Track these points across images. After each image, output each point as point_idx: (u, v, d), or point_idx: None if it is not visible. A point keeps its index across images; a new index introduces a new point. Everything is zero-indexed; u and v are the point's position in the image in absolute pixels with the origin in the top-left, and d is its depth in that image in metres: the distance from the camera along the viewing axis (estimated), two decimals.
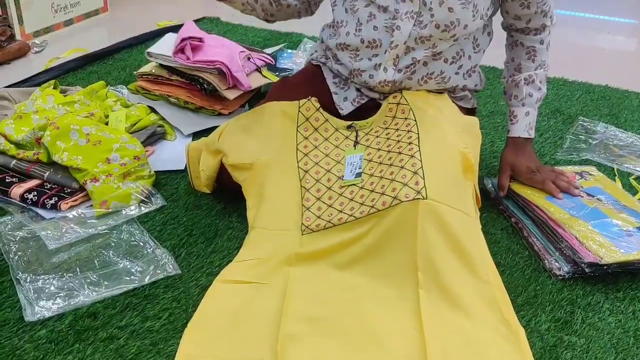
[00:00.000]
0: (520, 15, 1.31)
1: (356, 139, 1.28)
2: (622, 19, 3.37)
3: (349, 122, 1.30)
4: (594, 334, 1.03)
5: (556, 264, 1.17)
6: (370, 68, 1.28)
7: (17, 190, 1.30)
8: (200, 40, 1.76)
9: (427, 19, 1.21)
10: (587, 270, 1.12)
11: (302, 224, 1.17)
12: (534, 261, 1.21)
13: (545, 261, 1.19)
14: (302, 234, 1.16)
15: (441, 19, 1.20)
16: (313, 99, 1.31)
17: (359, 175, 1.19)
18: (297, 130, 1.30)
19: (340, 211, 1.15)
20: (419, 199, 1.06)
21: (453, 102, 1.33)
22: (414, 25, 1.21)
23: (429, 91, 1.32)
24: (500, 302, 1.04)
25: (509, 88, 1.39)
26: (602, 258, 1.12)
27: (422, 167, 1.11)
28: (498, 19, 1.37)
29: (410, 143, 1.17)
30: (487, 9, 1.27)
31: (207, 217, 1.30)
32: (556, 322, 1.06)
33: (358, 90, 1.36)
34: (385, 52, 1.25)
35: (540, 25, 1.33)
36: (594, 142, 1.69)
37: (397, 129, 1.23)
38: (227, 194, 1.34)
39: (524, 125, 1.36)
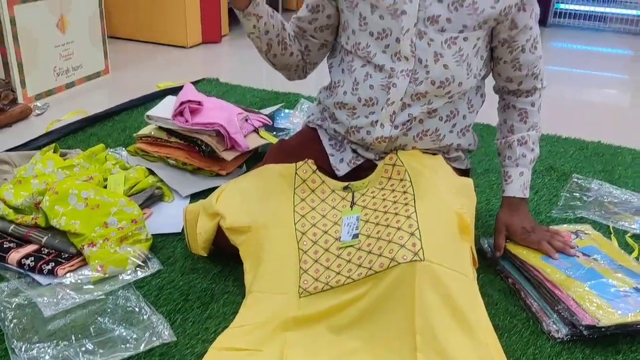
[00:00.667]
0: (512, 77, 1.35)
1: (352, 199, 1.29)
2: (613, 74, 3.44)
3: (346, 183, 1.32)
4: None
5: (554, 326, 1.16)
6: (368, 125, 1.31)
7: (14, 256, 1.31)
8: (199, 103, 1.80)
9: (422, 76, 1.24)
10: (585, 332, 1.12)
11: (300, 286, 1.17)
12: (532, 323, 1.20)
13: (544, 323, 1.18)
14: (300, 297, 1.16)
15: (436, 76, 1.24)
16: (309, 161, 1.33)
17: (356, 236, 1.20)
18: (294, 192, 1.31)
19: (338, 273, 1.15)
20: (416, 260, 1.07)
21: (447, 163, 1.35)
22: (410, 82, 1.25)
23: (424, 151, 1.34)
24: None
25: (503, 149, 1.41)
26: (599, 320, 1.11)
27: (418, 228, 1.12)
28: (490, 82, 1.40)
29: (406, 204, 1.18)
30: (480, 69, 1.31)
31: (203, 281, 1.30)
32: None
33: (354, 151, 1.39)
34: (382, 109, 1.28)
35: (532, 87, 1.36)
36: (589, 200, 1.70)
37: (393, 190, 1.24)
38: (224, 257, 1.34)
39: (518, 185, 1.38)
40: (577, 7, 4.51)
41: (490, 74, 1.39)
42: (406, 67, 1.24)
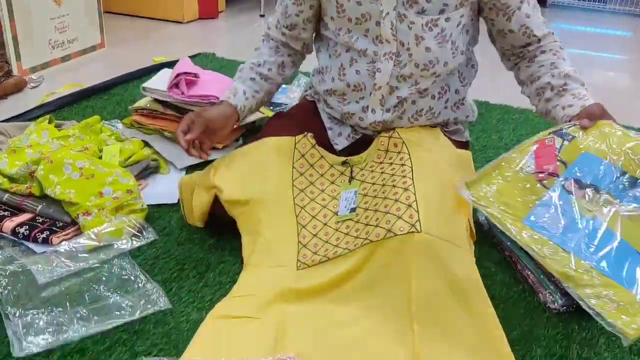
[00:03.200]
0: (529, 41, 1.27)
1: (351, 174, 1.28)
2: (612, 55, 3.42)
3: (344, 158, 1.31)
4: None
5: (551, 297, 1.16)
6: (359, 111, 1.29)
7: (8, 224, 1.29)
8: (195, 75, 1.78)
9: (405, 59, 1.22)
10: None
11: (298, 260, 1.16)
12: (528, 295, 1.20)
13: (540, 294, 1.18)
14: (298, 269, 1.16)
15: (419, 59, 1.21)
16: (309, 135, 1.32)
17: (353, 210, 1.19)
18: (292, 166, 1.30)
19: (336, 246, 1.15)
20: (413, 232, 1.06)
21: (446, 136, 1.34)
22: (394, 65, 1.23)
23: (422, 126, 1.32)
24: (495, 337, 1.03)
25: (559, 79, 1.24)
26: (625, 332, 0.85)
27: (416, 200, 1.11)
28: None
29: (404, 176, 1.17)
30: (468, 43, 1.28)
31: (199, 251, 1.30)
32: (552, 357, 1.04)
33: (352, 126, 1.37)
34: (370, 94, 1.26)
35: (547, 32, 1.28)
36: None
37: (391, 163, 1.23)
38: (220, 228, 1.34)
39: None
40: None
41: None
42: (389, 50, 1.22)
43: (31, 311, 1.08)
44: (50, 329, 1.04)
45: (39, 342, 1.01)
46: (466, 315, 1.05)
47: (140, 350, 1.01)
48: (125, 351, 1.01)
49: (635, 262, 0.87)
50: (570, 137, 1.01)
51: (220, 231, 1.34)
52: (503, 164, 1.05)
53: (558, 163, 0.98)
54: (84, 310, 1.09)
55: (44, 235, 1.27)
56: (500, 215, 1.01)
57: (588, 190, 0.98)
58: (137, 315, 1.09)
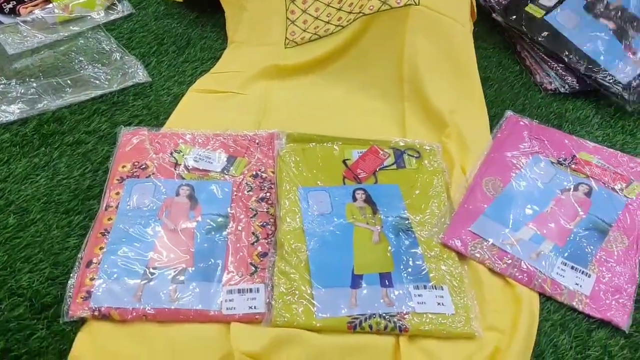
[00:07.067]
0: None
1: None
2: None
3: None
4: None
5: (547, 78, 1.11)
6: None
7: None
8: None
9: None
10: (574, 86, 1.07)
11: (287, 37, 1.10)
12: (524, 75, 1.15)
13: (537, 75, 1.13)
14: (286, 47, 1.10)
15: None
16: None
17: None
18: None
19: (327, 22, 1.08)
20: (410, 4, 0.99)
21: None
22: None
23: None
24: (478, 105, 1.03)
25: None
26: None
27: None
28: None
29: None
30: None
31: (178, 26, 1.21)
32: None
33: None
34: None
35: None
36: None
37: None
38: (200, 4, 1.24)
39: None
40: None
41: None
42: None
43: (3, 82, 1.02)
44: (25, 99, 0.99)
45: (14, 111, 0.97)
46: (454, 93, 1.02)
47: (119, 120, 0.98)
48: (104, 121, 0.97)
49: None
50: (403, 165, 0.92)
51: (201, 7, 1.25)
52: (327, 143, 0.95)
53: (372, 175, 0.91)
54: (59, 82, 1.04)
55: (10, 6, 1.18)
56: (287, 173, 0.88)
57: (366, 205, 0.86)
58: (115, 87, 1.04)
